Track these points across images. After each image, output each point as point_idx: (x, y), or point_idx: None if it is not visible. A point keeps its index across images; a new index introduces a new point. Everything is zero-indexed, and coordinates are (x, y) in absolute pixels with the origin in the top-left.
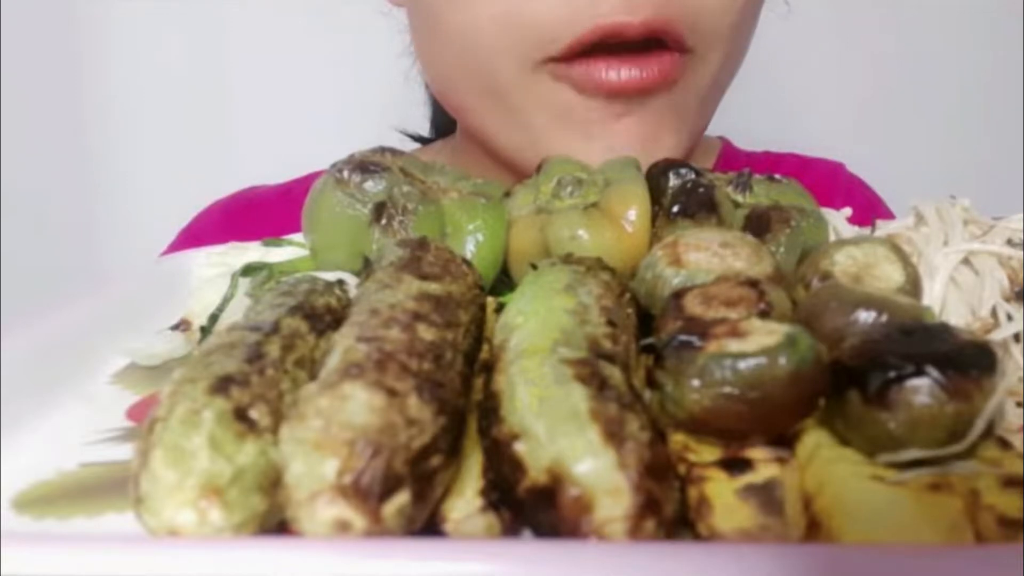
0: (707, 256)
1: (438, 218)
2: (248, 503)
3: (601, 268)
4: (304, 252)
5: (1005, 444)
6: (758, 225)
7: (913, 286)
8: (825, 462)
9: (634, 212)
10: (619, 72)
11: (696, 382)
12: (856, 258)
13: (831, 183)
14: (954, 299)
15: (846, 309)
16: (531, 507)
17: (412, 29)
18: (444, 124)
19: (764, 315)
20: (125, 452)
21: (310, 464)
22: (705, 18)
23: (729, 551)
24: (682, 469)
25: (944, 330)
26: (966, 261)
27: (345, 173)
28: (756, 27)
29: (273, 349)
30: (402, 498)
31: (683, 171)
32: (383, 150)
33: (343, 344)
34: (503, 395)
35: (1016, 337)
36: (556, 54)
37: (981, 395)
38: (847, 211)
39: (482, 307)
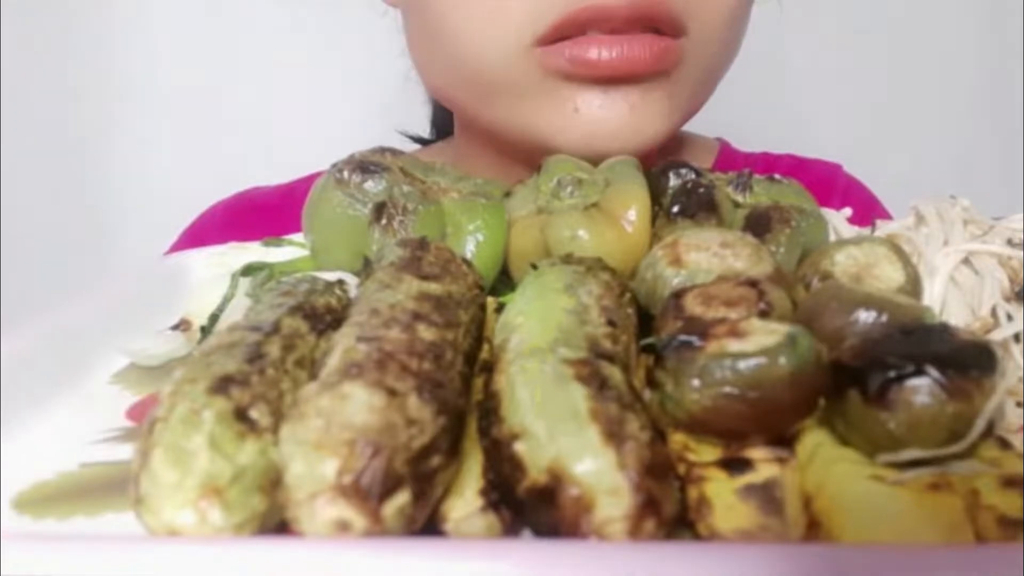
0: (707, 256)
1: (438, 218)
2: (248, 503)
3: (601, 268)
4: (304, 252)
5: (1005, 444)
6: (758, 225)
7: (913, 286)
8: (825, 462)
9: (634, 212)
10: (610, 51)
11: (696, 382)
12: (856, 258)
13: (829, 184)
14: (954, 299)
15: (846, 309)
16: (531, 507)
17: (405, 27)
18: (444, 125)
19: (764, 315)
20: (125, 452)
21: (310, 464)
22: (698, 4)
23: (729, 551)
24: (682, 469)
25: (944, 330)
26: (966, 261)
27: (345, 173)
28: (749, 20)
29: (273, 349)
30: (402, 498)
31: (683, 171)
32: (383, 150)
33: (343, 344)
34: (503, 395)
35: (1016, 337)
36: (542, 34)
37: (981, 395)
38: (847, 211)
39: (482, 307)
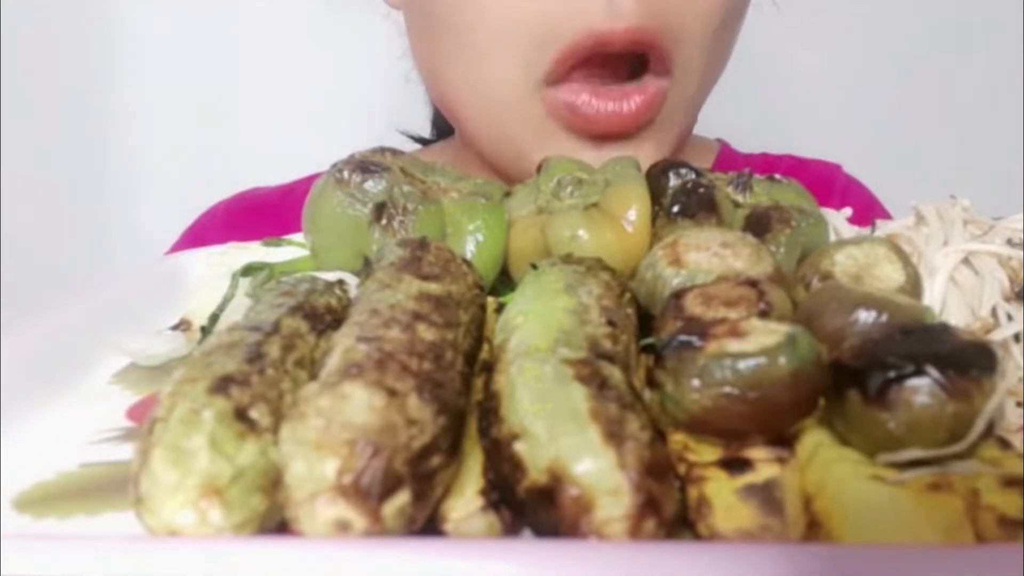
0: (707, 256)
1: (438, 218)
2: (248, 503)
3: (601, 268)
4: (304, 252)
5: (1005, 444)
6: (758, 225)
7: (913, 286)
8: (825, 462)
9: (634, 212)
10: (605, 104)
11: (696, 382)
12: (856, 258)
13: (828, 184)
14: (954, 299)
15: (846, 309)
16: (531, 507)
17: (408, 30)
18: (445, 125)
19: (764, 315)
20: (125, 452)
21: (310, 464)
22: (687, 28)
23: (729, 551)
24: (682, 469)
25: (944, 330)
26: (966, 261)
27: (345, 173)
28: (738, 34)
29: (273, 349)
30: (402, 498)
31: (683, 171)
32: (383, 150)
33: (343, 344)
34: (503, 395)
35: (1016, 337)
36: (549, 69)
37: (981, 395)
38: (847, 211)
39: (482, 307)
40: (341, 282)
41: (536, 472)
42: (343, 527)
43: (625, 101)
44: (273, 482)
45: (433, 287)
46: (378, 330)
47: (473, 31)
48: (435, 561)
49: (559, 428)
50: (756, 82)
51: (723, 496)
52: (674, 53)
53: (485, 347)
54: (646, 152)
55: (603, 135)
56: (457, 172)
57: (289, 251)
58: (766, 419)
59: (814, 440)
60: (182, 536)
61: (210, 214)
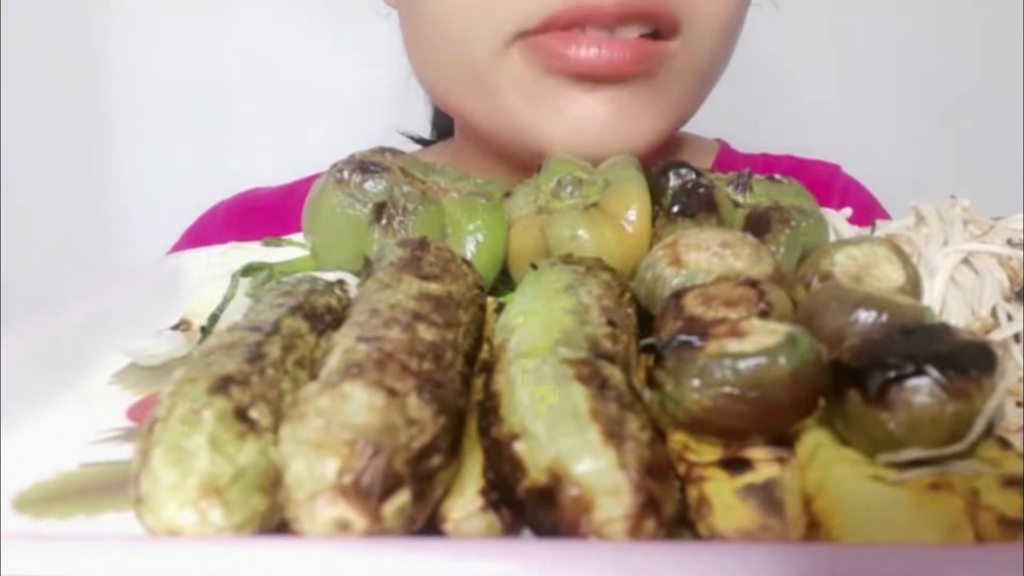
0: (707, 256)
1: (438, 218)
2: (248, 503)
3: (601, 268)
4: (304, 252)
5: (1005, 444)
6: (758, 225)
7: (913, 286)
8: (825, 462)
9: (634, 212)
10: (588, 49)
11: (696, 382)
12: (856, 258)
13: (828, 184)
14: (954, 299)
15: (846, 309)
16: (531, 507)
17: (401, 25)
18: (445, 126)
19: (764, 315)
20: (125, 452)
21: (310, 464)
22: (691, 7)
23: (729, 551)
24: (682, 469)
25: (944, 330)
26: (966, 261)
27: (345, 173)
28: (743, 24)
29: (273, 349)
30: (402, 498)
31: (683, 171)
32: (383, 150)
33: (343, 344)
34: (503, 395)
35: (1016, 337)
36: (529, 29)
37: (981, 395)
38: (847, 211)
39: (482, 307)
40: (341, 282)
41: (536, 472)
42: (343, 527)
43: (618, 47)
44: (273, 482)
45: (433, 287)
46: (378, 330)
47: (451, 13)
48: (435, 561)
49: (559, 428)
50: (756, 82)
51: (723, 496)
52: (674, 25)
53: (485, 347)
54: (642, 103)
55: (588, 76)
56: (457, 172)
57: (289, 251)
58: (766, 419)
59: (814, 440)
60: (182, 536)
61: (211, 214)
